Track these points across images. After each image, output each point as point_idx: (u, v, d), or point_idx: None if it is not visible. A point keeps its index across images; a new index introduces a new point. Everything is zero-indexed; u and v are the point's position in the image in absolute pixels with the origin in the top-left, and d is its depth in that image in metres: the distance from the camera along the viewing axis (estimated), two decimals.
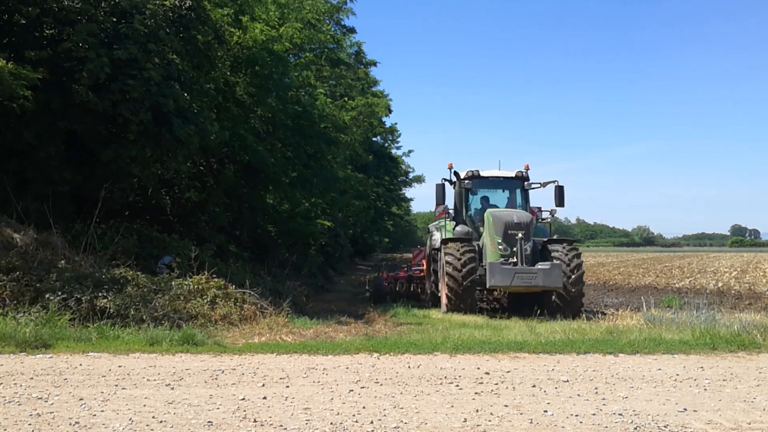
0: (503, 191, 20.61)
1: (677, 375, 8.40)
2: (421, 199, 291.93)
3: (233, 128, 19.62)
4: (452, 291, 17.34)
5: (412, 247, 31.87)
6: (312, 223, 27.42)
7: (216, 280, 13.97)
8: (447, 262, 17.51)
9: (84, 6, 14.89)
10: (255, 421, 6.01)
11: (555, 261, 17.25)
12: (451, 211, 20.06)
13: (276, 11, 22.38)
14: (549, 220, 20.16)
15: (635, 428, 5.92)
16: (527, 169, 20.06)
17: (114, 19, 15.20)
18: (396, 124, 56.40)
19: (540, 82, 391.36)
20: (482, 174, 19.94)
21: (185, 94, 16.35)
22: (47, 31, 14.95)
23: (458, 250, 17.57)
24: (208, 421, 5.97)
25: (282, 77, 22.24)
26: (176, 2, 16.12)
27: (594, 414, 6.40)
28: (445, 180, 19.76)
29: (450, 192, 20.38)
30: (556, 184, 19.22)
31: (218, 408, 6.47)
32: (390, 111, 44.60)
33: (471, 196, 20.19)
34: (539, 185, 19.66)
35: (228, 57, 20.24)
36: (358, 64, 39.31)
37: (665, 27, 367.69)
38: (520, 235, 17.21)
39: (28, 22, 14.79)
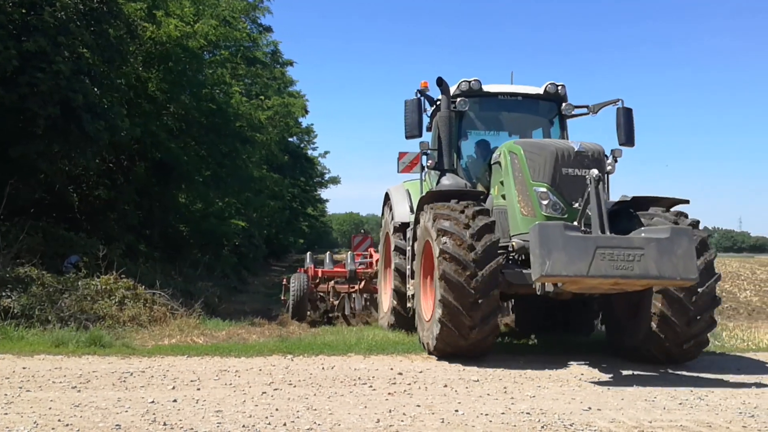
0: (520, 123, 12.12)
1: (582, 375, 8.68)
2: (337, 200, 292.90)
3: (145, 125, 19.29)
4: (457, 297, 8.86)
5: (328, 249, 22.93)
6: (225, 223, 27.18)
7: (125, 280, 13.75)
8: (441, 231, 9.17)
9: None
10: (165, 424, 5.91)
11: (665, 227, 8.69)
12: (428, 154, 11.51)
13: (191, 7, 22.04)
14: (609, 168, 10.16)
15: (542, 426, 6.08)
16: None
17: (23, 11, 14.75)
18: (312, 125, 56.44)
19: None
20: (487, 89, 11.60)
21: (95, 89, 16.00)
22: None
23: (462, 212, 9.38)
24: (116, 425, 5.84)
25: (196, 74, 21.95)
26: None
27: (503, 413, 6.54)
28: (422, 95, 11.34)
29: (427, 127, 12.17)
30: (619, 105, 11.19)
31: (127, 411, 6.34)
32: (306, 111, 44.52)
33: (467, 130, 11.90)
34: (587, 110, 11.67)
35: (140, 52, 19.87)
36: (275, 64, 39.03)
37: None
38: (594, 173, 9.04)
39: None
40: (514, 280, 9.48)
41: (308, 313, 16.25)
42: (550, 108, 11.82)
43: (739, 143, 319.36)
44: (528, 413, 6.53)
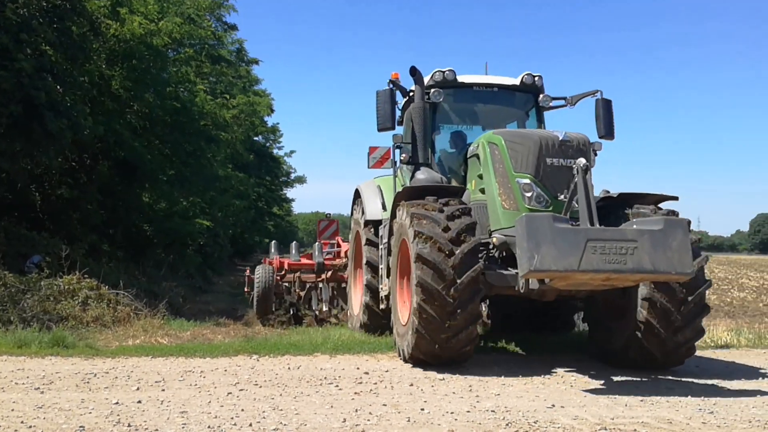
0: (495, 115, 11.34)
1: (546, 373, 8.76)
2: (302, 200, 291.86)
3: (108, 123, 19.11)
4: (434, 306, 8.29)
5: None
6: (190, 222, 26.99)
7: (88, 280, 13.62)
8: (418, 234, 8.51)
9: None
10: (129, 425, 5.88)
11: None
12: (402, 147, 10.79)
13: (155, 4, 21.87)
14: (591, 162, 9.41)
15: (507, 424, 6.14)
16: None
17: None
18: (278, 123, 56.16)
19: None
20: (462, 80, 10.98)
21: (58, 87, 15.83)
22: None
23: (441, 211, 8.75)
24: (80, 426, 5.79)
25: (160, 72, 21.77)
26: None
27: (468, 411, 6.59)
28: (394, 85, 10.62)
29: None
30: (598, 96, 10.71)
31: (90, 412, 6.28)
32: (272, 110, 44.38)
33: (440, 123, 11.23)
34: (564, 102, 11.14)
35: (104, 49, 19.68)
36: (240, 62, 38.82)
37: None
38: (582, 162, 8.54)
39: None
40: (495, 282, 8.85)
41: (273, 306, 15.82)
42: (527, 100, 11.25)
43: (699, 144, 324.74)
44: (493, 411, 6.60)
